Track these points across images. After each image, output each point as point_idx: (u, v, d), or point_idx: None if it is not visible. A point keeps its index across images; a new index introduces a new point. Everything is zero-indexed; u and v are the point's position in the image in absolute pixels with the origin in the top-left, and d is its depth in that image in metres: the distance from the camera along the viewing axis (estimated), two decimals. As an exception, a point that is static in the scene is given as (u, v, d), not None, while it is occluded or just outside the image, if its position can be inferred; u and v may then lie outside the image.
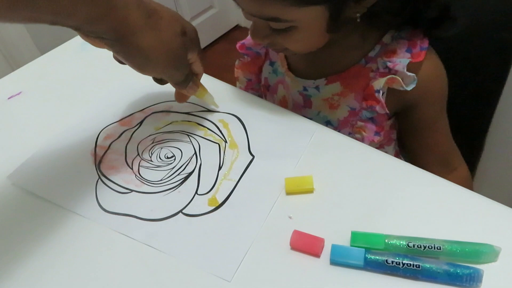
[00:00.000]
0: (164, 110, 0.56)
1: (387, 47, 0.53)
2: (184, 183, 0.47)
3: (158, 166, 0.49)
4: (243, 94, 0.59)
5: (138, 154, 0.50)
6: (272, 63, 0.65)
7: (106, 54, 0.45)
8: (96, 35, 0.40)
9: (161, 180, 0.47)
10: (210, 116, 0.54)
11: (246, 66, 0.68)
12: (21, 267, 0.40)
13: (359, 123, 0.57)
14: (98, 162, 0.49)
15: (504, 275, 0.36)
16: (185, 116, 0.55)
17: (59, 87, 0.62)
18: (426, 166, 0.54)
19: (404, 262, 0.36)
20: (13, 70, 0.67)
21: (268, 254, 0.39)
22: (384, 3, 0.47)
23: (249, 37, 0.62)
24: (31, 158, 0.50)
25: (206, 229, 0.42)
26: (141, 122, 0.54)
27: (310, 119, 0.54)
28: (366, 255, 0.37)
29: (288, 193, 0.44)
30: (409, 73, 0.50)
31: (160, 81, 0.50)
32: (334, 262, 0.38)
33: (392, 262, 0.36)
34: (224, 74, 0.74)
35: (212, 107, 0.55)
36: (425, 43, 0.52)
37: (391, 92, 0.53)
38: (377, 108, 0.54)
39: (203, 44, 0.50)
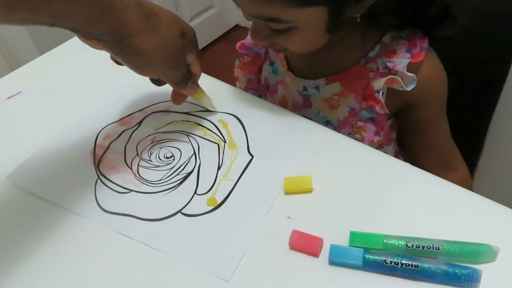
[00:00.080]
0: (163, 110, 0.56)
1: (387, 47, 0.53)
2: (183, 183, 0.47)
3: (157, 166, 0.49)
4: (242, 94, 0.59)
5: (137, 154, 0.50)
6: (272, 63, 0.65)
7: (106, 54, 0.45)
8: (94, 37, 0.40)
9: (160, 180, 0.47)
10: (210, 116, 0.55)
11: (246, 66, 0.68)
12: (20, 266, 0.40)
13: (359, 123, 0.57)
14: (97, 162, 0.50)
15: (502, 275, 0.36)
16: (184, 116, 0.55)
17: (58, 87, 0.62)
18: (425, 166, 0.54)
19: (402, 262, 0.36)
20: (12, 69, 0.67)
21: (267, 254, 0.40)
22: (384, 3, 0.47)
23: (249, 37, 0.62)
24: (30, 158, 0.50)
25: (205, 229, 0.42)
26: (140, 122, 0.54)
27: (310, 119, 0.54)
28: (365, 255, 0.37)
29: (287, 193, 0.44)
30: (409, 74, 0.50)
31: (157, 82, 0.50)
32: (332, 262, 0.38)
33: (391, 262, 0.36)
34: (224, 74, 0.74)
35: (210, 109, 0.55)
36: (425, 43, 0.52)
37: (391, 92, 0.53)
38: (377, 108, 0.54)
39: (203, 44, 0.50)
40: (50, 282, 0.39)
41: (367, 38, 0.54)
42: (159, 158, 0.50)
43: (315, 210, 0.43)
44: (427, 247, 0.37)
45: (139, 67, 0.44)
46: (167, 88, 0.52)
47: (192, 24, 1.87)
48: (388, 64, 0.52)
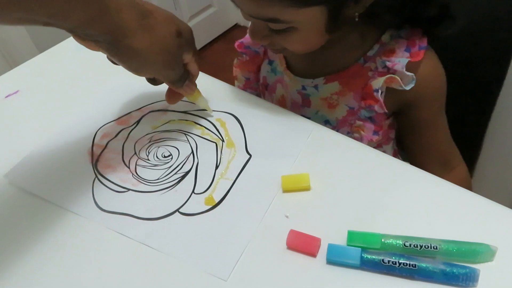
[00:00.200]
0: (161, 109, 0.56)
1: (386, 46, 0.53)
2: (181, 182, 0.47)
3: (155, 165, 0.49)
4: (241, 93, 0.58)
5: (135, 153, 0.50)
6: (270, 62, 0.65)
7: (103, 54, 0.44)
8: (91, 38, 0.40)
9: (158, 179, 0.47)
10: (208, 115, 0.54)
11: (244, 65, 0.68)
12: (17, 265, 0.40)
13: (358, 122, 0.57)
14: (95, 161, 0.49)
15: (500, 274, 0.36)
16: (182, 115, 0.55)
17: (56, 85, 0.62)
18: (424, 165, 0.54)
19: (400, 261, 0.36)
20: (11, 68, 0.67)
21: (265, 253, 0.39)
22: (383, 2, 0.47)
23: (247, 35, 0.62)
24: (28, 156, 0.50)
25: (203, 228, 0.42)
26: (138, 121, 0.54)
27: (309, 118, 0.54)
28: (363, 255, 0.37)
29: (284, 191, 0.44)
30: (408, 73, 0.50)
31: (154, 81, 0.50)
32: (330, 261, 0.38)
33: (389, 261, 0.36)
34: (223, 73, 0.74)
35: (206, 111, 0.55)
36: (424, 42, 0.52)
37: (389, 92, 0.53)
38: (376, 107, 0.54)
39: (202, 43, 0.50)
40: (48, 281, 0.39)
41: (366, 37, 0.54)
42: (157, 157, 0.50)
43: (313, 209, 0.42)
44: (425, 246, 0.37)
45: (135, 68, 0.44)
46: (165, 87, 0.52)
47: (191, 23, 1.87)
48: (387, 63, 0.52)
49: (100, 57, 0.46)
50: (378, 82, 0.52)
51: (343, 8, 0.46)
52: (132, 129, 0.53)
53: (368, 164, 0.47)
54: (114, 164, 0.49)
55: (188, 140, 0.51)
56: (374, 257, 0.36)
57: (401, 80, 0.51)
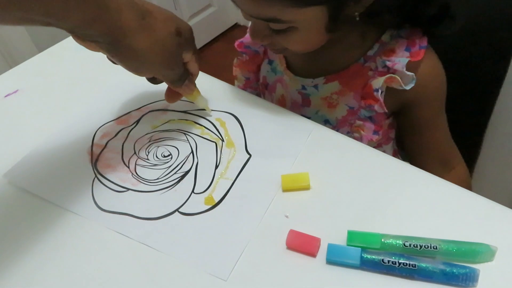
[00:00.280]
0: (161, 108, 0.56)
1: (386, 46, 0.53)
2: (180, 182, 0.46)
3: (155, 165, 0.49)
4: (241, 93, 0.58)
5: (135, 153, 0.50)
6: (270, 62, 0.65)
7: (104, 54, 0.44)
8: (91, 39, 0.40)
9: (157, 178, 0.47)
10: (207, 115, 0.54)
11: (244, 65, 0.68)
12: (17, 265, 0.40)
13: (358, 122, 0.57)
14: (95, 161, 0.49)
15: (500, 274, 0.36)
16: (182, 115, 0.55)
17: (56, 85, 0.62)
18: (424, 165, 0.54)
19: (400, 261, 0.36)
20: (10, 67, 0.67)
21: (264, 253, 0.39)
22: (383, 1, 0.47)
23: (247, 35, 0.62)
24: (27, 156, 0.50)
25: (203, 228, 0.42)
26: (138, 121, 0.54)
27: (309, 118, 0.54)
28: (362, 255, 0.37)
29: (284, 190, 0.44)
30: (408, 73, 0.50)
31: (154, 80, 0.50)
32: (330, 261, 0.38)
33: (388, 261, 0.36)
34: (223, 73, 0.74)
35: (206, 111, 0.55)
36: (424, 42, 0.52)
37: (389, 91, 0.53)
38: (376, 107, 0.53)
39: (201, 43, 0.50)
40: (47, 281, 0.39)
41: (366, 37, 0.54)
42: (156, 156, 0.50)
43: (312, 209, 0.42)
44: (424, 246, 0.37)
45: (135, 68, 0.44)
46: (165, 87, 0.52)
47: (191, 23, 1.86)
48: (387, 63, 0.52)
49: (99, 57, 0.46)
50: (378, 82, 0.52)
51: (344, 8, 0.46)
52: (132, 128, 0.53)
53: (368, 164, 0.47)
54: (114, 164, 0.49)
55: (187, 140, 0.51)
56: (374, 257, 0.36)
57: (401, 79, 0.51)
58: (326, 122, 0.60)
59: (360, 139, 0.56)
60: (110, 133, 0.53)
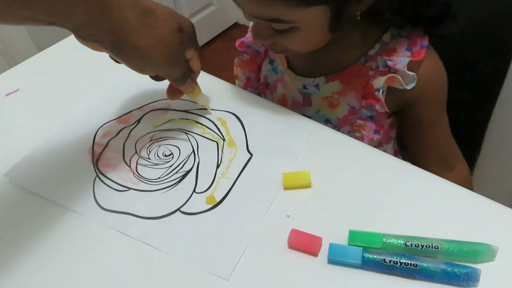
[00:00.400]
0: (162, 108, 0.56)
1: (387, 45, 0.53)
2: (182, 181, 0.46)
3: (156, 164, 0.49)
4: (242, 93, 0.58)
5: (136, 152, 0.50)
6: (271, 61, 0.65)
7: (106, 53, 0.44)
8: (94, 38, 0.40)
9: (158, 178, 0.47)
10: (208, 114, 0.54)
11: (245, 64, 0.68)
12: (18, 264, 0.40)
13: (359, 122, 0.57)
14: (96, 160, 0.49)
15: (501, 274, 0.36)
16: (183, 114, 0.55)
17: (56, 84, 0.62)
18: (425, 165, 0.53)
19: (401, 261, 0.36)
20: (10, 67, 0.67)
21: (266, 252, 0.39)
22: (384, 1, 0.47)
23: (248, 35, 0.62)
24: (28, 155, 0.50)
25: (204, 227, 0.42)
26: (139, 120, 0.54)
27: (310, 117, 0.54)
28: (364, 254, 0.37)
29: (285, 188, 0.44)
30: (409, 72, 0.50)
31: (157, 77, 0.50)
32: (331, 261, 0.38)
33: (390, 261, 0.36)
34: (223, 72, 0.74)
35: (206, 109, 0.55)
36: (425, 41, 0.52)
37: (390, 91, 0.53)
38: (377, 106, 0.53)
39: (201, 42, 0.50)
40: (48, 280, 0.39)
41: (367, 36, 0.54)
42: (157, 156, 0.50)
43: (314, 209, 0.42)
44: (426, 246, 0.37)
45: (139, 66, 0.44)
46: (166, 85, 0.52)
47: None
48: (389, 63, 0.52)
49: (100, 56, 0.46)
50: (379, 82, 0.52)
51: (346, 7, 0.46)
52: (133, 128, 0.53)
53: (369, 163, 0.47)
54: (115, 163, 0.49)
55: (189, 139, 0.51)
56: (375, 256, 0.36)
57: (402, 79, 0.51)
58: (327, 122, 0.60)
59: (361, 138, 0.56)
60: (111, 132, 0.53)
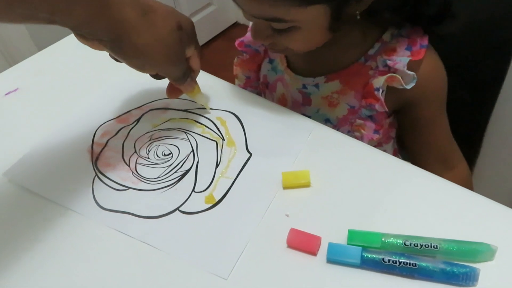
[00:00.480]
0: (161, 107, 0.56)
1: (387, 45, 0.53)
2: (181, 181, 0.46)
3: (155, 164, 0.49)
4: (241, 92, 0.58)
5: (135, 151, 0.50)
6: (271, 61, 0.65)
7: (104, 51, 0.44)
8: (94, 37, 0.40)
9: (158, 177, 0.47)
10: (208, 114, 0.54)
11: (244, 64, 0.68)
12: (17, 264, 0.40)
13: (358, 121, 0.57)
14: (95, 159, 0.49)
15: (500, 274, 0.36)
16: (182, 114, 0.55)
17: (56, 83, 0.62)
18: (426, 164, 0.54)
19: (400, 260, 0.36)
20: (10, 66, 0.67)
21: (265, 252, 0.39)
22: (384, 0, 0.47)
23: (248, 34, 0.62)
24: (27, 154, 0.50)
25: (203, 226, 0.42)
26: (138, 119, 0.54)
27: (309, 117, 0.54)
28: (363, 254, 0.37)
29: (285, 187, 0.44)
30: (409, 72, 0.50)
31: (157, 76, 0.50)
32: (330, 260, 0.38)
33: (389, 260, 0.36)
34: (223, 72, 0.74)
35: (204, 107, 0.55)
36: (425, 41, 0.52)
37: (390, 90, 0.53)
38: (377, 106, 0.53)
39: (201, 41, 0.50)
40: (47, 279, 0.39)
41: (367, 36, 0.54)
42: (157, 155, 0.50)
43: (313, 208, 0.42)
44: (425, 245, 0.37)
45: (138, 64, 0.44)
46: (165, 85, 0.52)
47: (191, 21, 1.86)
48: (388, 62, 0.52)
49: (99, 55, 0.46)
50: (379, 81, 0.52)
51: (346, 7, 0.46)
52: (132, 127, 0.53)
53: (369, 163, 0.47)
54: (114, 163, 0.49)
55: (188, 139, 0.51)
56: (374, 256, 0.36)
57: (402, 79, 0.51)
58: (326, 121, 0.60)
59: (360, 138, 0.56)
60: (111, 132, 0.53)
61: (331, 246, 0.38)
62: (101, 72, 0.62)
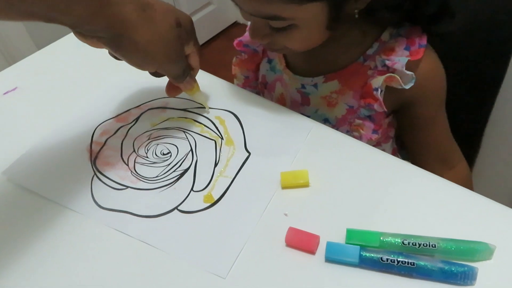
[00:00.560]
0: (160, 106, 0.56)
1: (386, 44, 0.53)
2: (179, 180, 0.46)
3: (154, 163, 0.49)
4: (240, 91, 0.58)
5: (134, 151, 0.50)
6: (270, 61, 0.65)
7: (103, 50, 0.44)
8: (93, 34, 0.40)
9: (156, 176, 0.47)
10: (207, 113, 0.54)
11: (243, 63, 0.68)
12: (16, 263, 0.40)
13: (357, 121, 0.57)
14: (94, 158, 0.49)
15: (498, 273, 0.36)
16: (181, 113, 0.55)
17: (55, 82, 0.62)
18: (425, 163, 0.54)
19: (399, 259, 0.36)
20: (9, 65, 0.66)
21: (264, 251, 0.39)
22: None
23: (246, 34, 0.62)
24: (26, 153, 0.50)
25: (202, 226, 0.42)
26: (137, 119, 0.54)
27: (308, 117, 0.54)
28: (361, 253, 0.37)
29: (283, 187, 0.44)
30: (407, 72, 0.50)
31: (156, 74, 0.50)
32: (329, 259, 0.38)
33: (387, 259, 0.36)
34: (222, 71, 0.74)
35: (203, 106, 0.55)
36: (424, 40, 0.52)
37: (389, 90, 0.53)
38: (375, 106, 0.53)
39: (201, 41, 0.50)
40: (46, 278, 0.39)
41: (365, 35, 0.54)
42: (155, 154, 0.50)
43: (311, 207, 0.42)
44: (423, 244, 0.37)
45: (138, 62, 0.44)
46: (164, 84, 0.52)
47: (191, 20, 1.86)
48: (387, 62, 0.52)
49: (99, 54, 0.46)
50: (378, 81, 0.52)
51: (344, 5, 0.46)
52: (131, 126, 0.53)
53: (368, 162, 0.47)
54: (113, 162, 0.49)
55: (187, 138, 0.51)
56: (372, 255, 0.36)
57: (400, 79, 0.51)
58: (325, 121, 0.60)
59: (359, 138, 0.56)
60: (109, 131, 0.53)
61: (330, 245, 0.38)
62: (100, 71, 0.62)
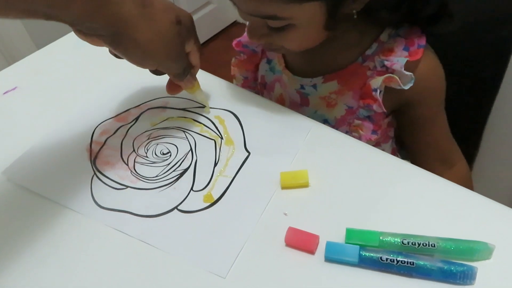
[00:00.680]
0: (160, 106, 0.56)
1: (385, 45, 0.53)
2: (179, 180, 0.47)
3: (154, 162, 0.49)
4: (240, 91, 0.58)
5: (134, 150, 0.50)
6: (269, 61, 0.65)
7: (103, 50, 0.44)
8: (93, 32, 0.40)
9: (156, 176, 0.47)
10: (207, 113, 0.54)
11: (242, 64, 0.68)
12: (15, 262, 0.40)
13: (356, 122, 0.57)
14: (94, 158, 0.49)
15: (498, 272, 0.36)
16: (181, 112, 0.55)
17: (55, 82, 0.62)
18: (425, 163, 0.54)
19: (398, 259, 0.36)
20: (9, 64, 0.66)
21: (263, 250, 0.39)
22: None
23: (245, 34, 0.62)
24: (26, 153, 0.50)
25: (201, 225, 0.42)
26: (137, 118, 0.54)
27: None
28: (361, 252, 0.37)
29: (283, 188, 0.44)
30: (406, 72, 0.50)
31: (157, 72, 0.50)
32: (328, 259, 0.38)
33: (387, 259, 0.36)
34: (222, 71, 0.74)
35: (203, 104, 0.55)
36: (422, 41, 0.52)
37: (388, 91, 0.53)
38: (374, 106, 0.54)
39: (201, 40, 0.50)
40: (46, 278, 0.39)
41: (364, 36, 0.54)
42: (155, 154, 0.50)
43: (311, 207, 0.43)
44: (423, 244, 0.37)
45: (138, 60, 0.44)
46: (164, 83, 0.52)
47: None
48: (386, 63, 0.52)
49: (98, 54, 0.46)
50: (377, 82, 0.52)
51: (342, 4, 0.46)
52: (131, 126, 0.53)
53: (367, 162, 0.47)
54: (113, 161, 0.49)
55: (186, 138, 0.51)
56: (372, 254, 0.37)
57: (399, 79, 0.51)
58: (325, 122, 0.60)
59: (358, 138, 0.56)
60: (109, 131, 0.53)
61: (329, 245, 0.38)
62: (100, 71, 0.62)
